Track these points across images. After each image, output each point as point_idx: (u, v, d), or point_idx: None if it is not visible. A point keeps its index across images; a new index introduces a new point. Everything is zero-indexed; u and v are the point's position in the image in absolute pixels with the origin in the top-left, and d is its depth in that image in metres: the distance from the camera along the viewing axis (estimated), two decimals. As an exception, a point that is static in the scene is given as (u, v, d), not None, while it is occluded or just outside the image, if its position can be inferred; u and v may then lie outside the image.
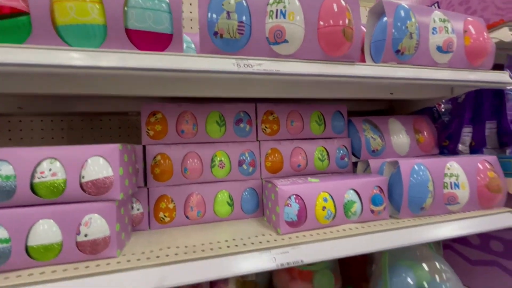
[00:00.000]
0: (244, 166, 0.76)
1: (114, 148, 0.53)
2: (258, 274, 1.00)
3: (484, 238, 0.90)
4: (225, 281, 0.88)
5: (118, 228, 0.53)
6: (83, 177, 0.51)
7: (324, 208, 0.64)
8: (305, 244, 0.58)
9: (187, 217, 0.72)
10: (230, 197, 0.75)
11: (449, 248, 1.02)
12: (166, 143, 0.72)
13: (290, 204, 0.62)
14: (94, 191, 0.51)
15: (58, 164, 0.50)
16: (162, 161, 0.71)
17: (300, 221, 0.62)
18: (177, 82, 0.68)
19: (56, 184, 0.49)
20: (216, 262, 0.52)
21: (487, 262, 0.90)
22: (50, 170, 0.49)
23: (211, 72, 0.52)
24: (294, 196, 0.63)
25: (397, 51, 0.66)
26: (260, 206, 0.78)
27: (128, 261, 0.50)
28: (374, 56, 0.70)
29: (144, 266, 0.49)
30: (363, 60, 0.72)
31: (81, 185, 0.51)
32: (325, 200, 0.64)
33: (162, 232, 0.67)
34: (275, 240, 0.58)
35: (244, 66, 0.54)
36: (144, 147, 0.70)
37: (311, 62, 0.59)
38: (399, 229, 0.65)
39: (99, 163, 0.52)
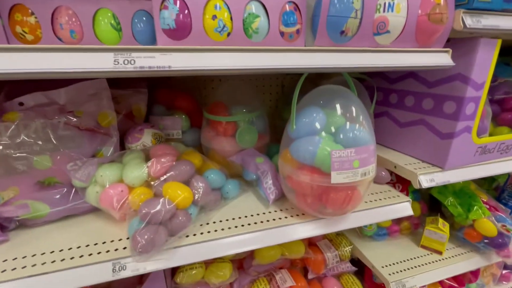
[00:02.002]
0: (128, -25, 0.58)
1: None
2: (186, 134, 0.97)
3: (419, 98, 0.85)
4: (140, 131, 0.83)
5: None
6: None
7: (214, 17, 0.50)
8: (181, 52, 0.48)
9: (59, 38, 0.58)
10: (115, 18, 0.60)
11: (385, 114, 0.99)
12: None
13: (167, 6, 0.48)
14: None
15: None
16: (2, -49, 0.51)
17: (180, 30, 0.50)
18: None
19: None
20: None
21: (415, 122, 0.87)
22: None
23: None
24: (175, -3, 0.48)
25: None
26: (159, 38, 0.64)
27: None
28: None
29: None
30: None
31: None
32: (217, 7, 0.50)
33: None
34: (145, 48, 0.47)
35: None
36: None
37: None
38: (309, 52, 0.55)
39: None
